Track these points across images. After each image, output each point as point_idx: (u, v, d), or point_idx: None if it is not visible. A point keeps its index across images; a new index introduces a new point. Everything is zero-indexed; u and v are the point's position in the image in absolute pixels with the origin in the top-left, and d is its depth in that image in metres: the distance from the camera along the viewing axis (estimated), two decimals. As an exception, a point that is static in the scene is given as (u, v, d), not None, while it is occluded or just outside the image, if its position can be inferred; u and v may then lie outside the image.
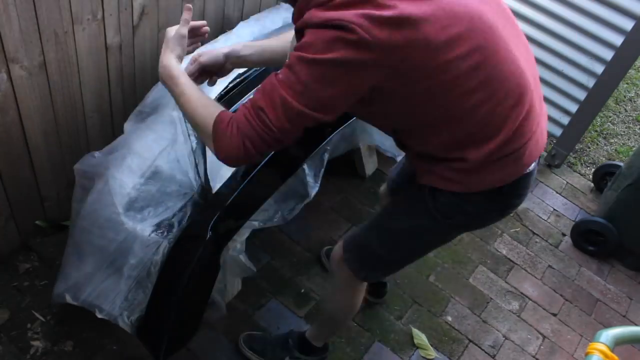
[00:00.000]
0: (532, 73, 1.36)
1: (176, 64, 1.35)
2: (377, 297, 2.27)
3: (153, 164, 1.62)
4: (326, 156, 2.05)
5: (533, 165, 1.43)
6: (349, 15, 1.10)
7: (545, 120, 1.46)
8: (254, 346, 1.99)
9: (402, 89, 1.21)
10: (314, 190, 2.01)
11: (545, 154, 3.28)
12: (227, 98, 1.83)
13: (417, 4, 1.14)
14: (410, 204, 1.53)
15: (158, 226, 1.56)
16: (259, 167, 1.62)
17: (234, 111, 1.61)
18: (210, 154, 1.40)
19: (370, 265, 1.65)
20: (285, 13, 2.28)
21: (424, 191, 1.43)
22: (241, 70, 1.92)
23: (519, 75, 1.29)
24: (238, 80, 1.89)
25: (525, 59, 1.33)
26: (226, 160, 1.27)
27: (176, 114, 1.71)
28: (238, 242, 1.87)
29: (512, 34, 1.32)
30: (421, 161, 1.41)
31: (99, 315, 1.60)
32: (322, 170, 2.04)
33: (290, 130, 1.20)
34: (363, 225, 1.66)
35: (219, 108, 1.28)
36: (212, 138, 1.25)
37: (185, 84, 1.32)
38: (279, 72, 1.19)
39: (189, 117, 1.32)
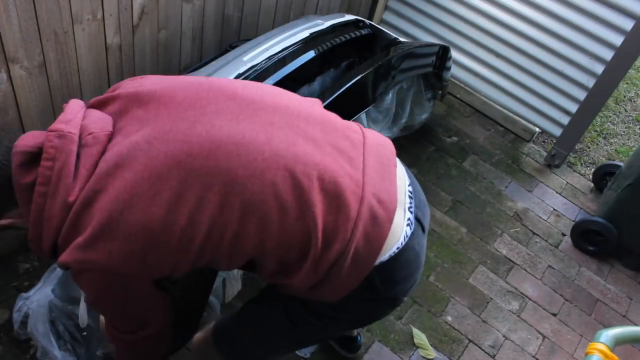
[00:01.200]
0: (306, 139, 1.17)
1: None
2: (348, 351, 2.07)
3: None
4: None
5: (401, 240, 1.24)
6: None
7: (380, 182, 1.23)
8: None
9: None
10: None
11: (545, 154, 3.28)
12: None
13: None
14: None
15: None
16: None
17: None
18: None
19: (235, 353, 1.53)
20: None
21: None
22: (241, 70, 1.92)
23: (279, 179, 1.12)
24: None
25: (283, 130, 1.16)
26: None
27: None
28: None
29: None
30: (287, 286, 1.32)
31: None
32: None
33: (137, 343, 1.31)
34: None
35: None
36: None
37: None
38: None
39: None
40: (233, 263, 1.21)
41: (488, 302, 2.43)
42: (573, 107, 3.06)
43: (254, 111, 1.17)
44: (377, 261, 1.21)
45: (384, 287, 1.25)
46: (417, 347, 2.19)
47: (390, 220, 1.21)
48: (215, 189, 1.09)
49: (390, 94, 2.44)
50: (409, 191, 1.32)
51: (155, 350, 1.35)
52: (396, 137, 2.71)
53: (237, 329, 1.48)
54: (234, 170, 1.10)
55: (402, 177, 1.33)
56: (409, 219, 1.28)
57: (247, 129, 1.13)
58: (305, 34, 2.19)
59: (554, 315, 2.46)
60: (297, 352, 2.05)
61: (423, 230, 1.35)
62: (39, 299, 1.67)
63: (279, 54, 2.05)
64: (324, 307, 1.29)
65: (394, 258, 1.23)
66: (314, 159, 1.15)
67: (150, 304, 1.25)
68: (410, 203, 1.30)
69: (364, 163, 1.23)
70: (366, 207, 1.18)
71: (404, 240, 1.25)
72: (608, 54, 2.79)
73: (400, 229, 1.24)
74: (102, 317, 1.43)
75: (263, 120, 1.16)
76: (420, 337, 2.21)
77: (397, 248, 1.23)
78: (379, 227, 1.19)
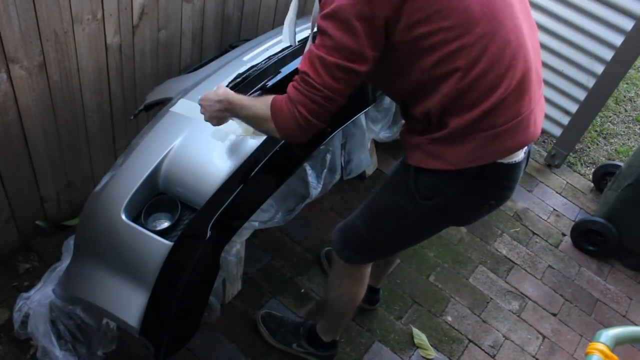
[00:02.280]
0: (534, 52, 1.37)
1: (228, 91, 1.49)
2: (369, 304, 2.23)
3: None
4: (329, 157, 2.05)
5: (521, 156, 1.41)
6: None
7: (541, 114, 1.44)
8: (270, 324, 2.07)
9: (406, 35, 1.24)
10: (316, 191, 2.01)
11: (545, 154, 3.28)
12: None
13: None
14: (394, 184, 1.56)
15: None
16: (259, 166, 1.62)
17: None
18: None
19: (352, 246, 1.67)
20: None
21: (409, 171, 1.45)
22: (241, 70, 1.92)
23: (517, 46, 1.30)
24: (238, 80, 1.89)
25: (530, 37, 1.36)
26: (290, 136, 1.34)
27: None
28: (238, 243, 1.87)
29: (523, 10, 1.37)
30: (411, 136, 1.43)
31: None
32: (325, 171, 2.04)
33: (336, 86, 1.26)
34: (353, 215, 1.70)
35: (272, 96, 1.35)
36: (272, 121, 1.33)
37: (240, 98, 1.46)
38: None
39: (253, 120, 1.42)
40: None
41: (488, 302, 2.43)
42: (573, 107, 3.06)
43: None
44: (503, 159, 1.38)
45: (490, 182, 1.42)
46: (417, 347, 2.19)
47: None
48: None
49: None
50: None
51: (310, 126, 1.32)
52: (397, 137, 2.72)
53: (354, 215, 1.67)
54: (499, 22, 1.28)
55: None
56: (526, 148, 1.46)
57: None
58: (306, 33, 2.19)
59: (554, 315, 2.46)
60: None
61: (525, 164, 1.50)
62: (39, 298, 1.67)
63: (279, 54, 2.05)
64: (431, 182, 1.42)
65: (510, 166, 1.40)
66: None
67: (366, 46, 1.25)
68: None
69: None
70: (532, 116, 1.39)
71: (522, 158, 1.43)
72: (608, 54, 2.79)
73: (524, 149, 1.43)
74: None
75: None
76: (420, 337, 2.21)
77: (515, 161, 1.40)
78: (525, 134, 1.37)
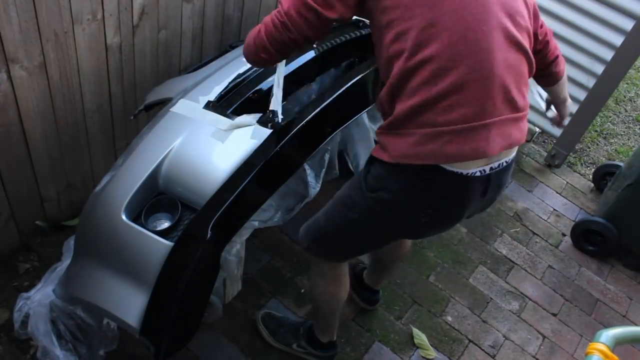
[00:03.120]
0: (507, 67, 1.31)
1: None
2: (369, 304, 2.26)
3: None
4: (327, 157, 2.05)
5: (474, 170, 1.33)
6: None
7: (505, 138, 1.34)
8: (269, 324, 2.08)
9: (375, 3, 1.30)
10: (315, 190, 2.01)
11: (545, 154, 3.28)
12: (226, 98, 1.83)
13: None
14: (354, 175, 1.57)
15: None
16: (259, 167, 1.62)
17: (234, 110, 1.62)
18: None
19: (312, 237, 1.68)
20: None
21: (370, 158, 1.46)
22: (241, 70, 1.92)
23: (477, 48, 1.26)
24: (238, 80, 1.89)
25: (505, 51, 1.30)
26: (245, 55, 1.49)
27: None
28: (238, 243, 1.87)
29: (509, 26, 1.32)
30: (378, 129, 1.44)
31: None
32: (324, 170, 2.04)
33: (296, 19, 1.34)
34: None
35: None
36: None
37: None
38: None
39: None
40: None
41: (488, 302, 2.43)
42: (573, 107, 3.05)
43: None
44: (448, 166, 1.31)
45: (434, 187, 1.35)
46: (418, 347, 2.19)
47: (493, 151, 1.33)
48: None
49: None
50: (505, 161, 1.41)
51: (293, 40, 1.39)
52: None
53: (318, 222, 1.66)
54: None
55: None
56: (490, 167, 1.37)
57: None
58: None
59: (554, 315, 2.46)
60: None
61: (484, 193, 1.42)
62: (39, 298, 1.67)
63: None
64: (378, 173, 1.40)
65: (456, 176, 1.32)
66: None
67: None
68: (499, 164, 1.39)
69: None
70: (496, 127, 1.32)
71: (477, 174, 1.34)
72: (608, 54, 2.79)
73: (479, 164, 1.34)
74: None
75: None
76: (420, 337, 2.21)
77: (463, 172, 1.32)
78: (472, 147, 1.29)
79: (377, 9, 1.32)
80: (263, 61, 1.48)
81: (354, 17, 2.51)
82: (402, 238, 1.77)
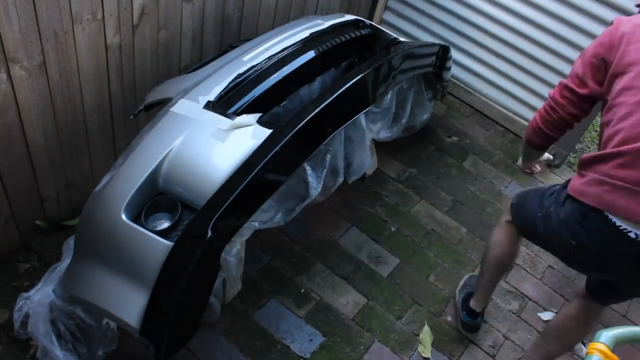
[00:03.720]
0: None
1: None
2: (469, 331, 2.29)
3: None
4: (328, 157, 2.05)
5: (633, 234, 1.49)
6: None
7: None
8: None
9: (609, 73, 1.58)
10: (315, 191, 2.01)
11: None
12: (227, 98, 1.83)
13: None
14: (552, 193, 1.76)
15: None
16: (259, 167, 1.62)
17: (236, 110, 1.63)
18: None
19: (514, 216, 1.96)
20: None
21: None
22: (241, 70, 1.92)
23: None
24: (238, 80, 1.89)
25: None
26: (527, 133, 1.91)
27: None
28: (238, 243, 1.87)
29: None
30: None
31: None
32: (325, 171, 2.04)
33: (559, 101, 1.73)
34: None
35: None
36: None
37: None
38: None
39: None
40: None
41: (488, 302, 2.43)
42: (573, 107, 3.06)
43: None
44: (611, 217, 1.51)
45: (583, 225, 1.57)
46: (419, 342, 2.18)
47: None
48: None
49: (390, 94, 2.45)
50: None
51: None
52: (397, 137, 2.72)
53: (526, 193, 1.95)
54: None
55: None
56: None
57: None
58: (305, 34, 2.19)
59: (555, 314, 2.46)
60: (297, 352, 2.05)
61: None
62: (39, 298, 1.68)
63: (279, 54, 2.05)
64: (569, 204, 1.62)
65: (614, 228, 1.51)
66: None
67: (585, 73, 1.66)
68: None
69: None
70: None
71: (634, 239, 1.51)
72: (608, 54, 2.79)
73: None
74: None
75: None
76: (426, 334, 2.21)
77: (622, 228, 1.50)
78: (636, 209, 1.47)
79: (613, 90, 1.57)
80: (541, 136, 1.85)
81: (354, 17, 2.51)
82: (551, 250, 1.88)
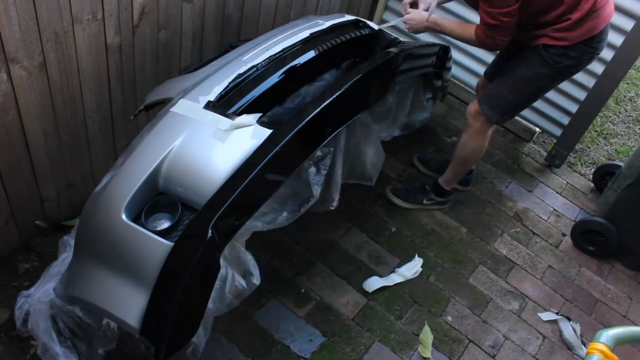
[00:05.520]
0: None
1: (433, 16, 2.36)
2: (464, 185, 2.90)
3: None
4: (330, 158, 2.04)
5: (609, 20, 2.22)
6: None
7: (610, 8, 2.24)
8: (399, 193, 2.74)
9: None
10: (319, 191, 2.00)
11: (545, 154, 3.28)
12: (227, 98, 1.83)
13: None
14: (529, 59, 2.30)
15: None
16: (260, 166, 1.62)
17: (236, 110, 1.62)
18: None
19: (501, 110, 2.41)
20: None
21: (538, 49, 2.25)
22: (241, 70, 1.92)
23: None
24: (238, 80, 1.89)
25: None
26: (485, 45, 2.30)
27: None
28: (238, 243, 1.87)
29: None
30: (537, 30, 2.23)
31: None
32: (326, 172, 2.04)
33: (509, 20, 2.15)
34: (492, 86, 2.45)
35: (472, 27, 2.26)
36: (476, 42, 2.27)
37: (448, 23, 2.37)
38: None
39: (460, 37, 2.34)
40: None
41: (488, 302, 2.43)
42: (573, 107, 3.06)
43: None
44: (606, 23, 2.23)
45: (597, 40, 2.24)
46: (419, 342, 2.18)
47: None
48: None
49: (392, 94, 2.45)
50: None
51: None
52: (396, 136, 2.72)
53: (497, 87, 2.42)
54: None
55: None
56: None
57: None
58: (306, 34, 2.19)
59: (555, 314, 2.46)
60: (297, 352, 2.05)
61: None
62: (39, 296, 1.68)
63: (279, 54, 2.05)
64: (559, 51, 2.23)
65: (602, 30, 2.23)
66: None
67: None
68: None
69: None
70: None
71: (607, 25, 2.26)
72: (608, 54, 2.79)
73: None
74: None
75: None
76: (426, 334, 2.21)
77: (602, 28, 2.22)
78: (605, 15, 2.21)
79: None
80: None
81: (354, 17, 2.51)
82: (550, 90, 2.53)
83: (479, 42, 2.23)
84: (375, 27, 2.48)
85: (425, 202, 2.72)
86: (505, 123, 2.64)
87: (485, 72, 2.75)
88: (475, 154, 2.56)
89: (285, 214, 1.94)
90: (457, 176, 2.70)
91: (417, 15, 2.38)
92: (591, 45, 2.23)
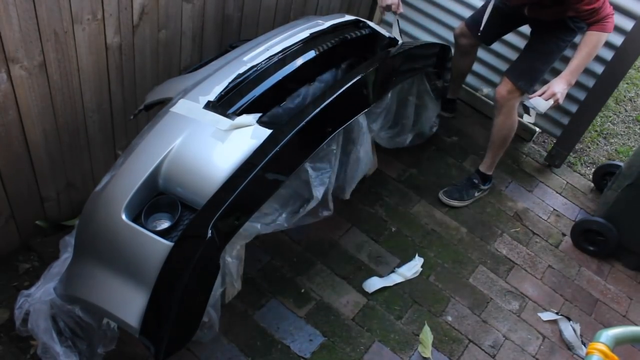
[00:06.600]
0: None
1: (568, 69, 2.45)
2: (450, 112, 3.22)
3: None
4: (330, 157, 2.05)
5: None
6: None
7: None
8: (453, 195, 2.81)
9: None
10: (320, 192, 2.00)
11: (545, 154, 3.28)
12: (227, 98, 1.83)
13: None
14: (556, 31, 2.52)
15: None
16: (259, 166, 1.62)
17: (236, 110, 1.63)
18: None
19: (534, 82, 2.60)
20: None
21: (565, 21, 2.47)
22: (241, 70, 1.92)
23: None
24: (238, 80, 1.89)
25: None
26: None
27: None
28: (238, 244, 1.87)
29: None
30: (562, 5, 2.35)
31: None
32: (327, 171, 2.04)
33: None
34: (522, 63, 2.63)
35: (591, 35, 2.39)
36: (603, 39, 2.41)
37: (579, 61, 2.42)
38: None
39: (592, 57, 2.44)
40: None
41: (488, 302, 2.43)
42: (573, 107, 3.06)
43: None
44: None
45: None
46: (419, 342, 2.18)
47: None
48: None
49: (390, 94, 2.45)
50: None
51: None
52: (408, 145, 2.74)
53: (527, 60, 2.63)
54: None
55: None
56: None
57: None
58: (306, 34, 2.19)
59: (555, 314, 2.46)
60: (297, 352, 2.05)
61: None
62: (39, 296, 1.68)
63: (279, 54, 2.05)
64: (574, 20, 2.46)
65: None
66: None
67: None
68: None
69: None
70: None
71: None
72: (608, 54, 2.79)
73: None
74: None
75: None
76: (426, 334, 2.21)
77: None
78: None
79: None
80: None
81: (354, 17, 2.51)
82: None
83: (607, 34, 2.36)
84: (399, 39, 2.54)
85: (477, 194, 2.85)
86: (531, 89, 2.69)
87: (468, 24, 2.87)
88: (512, 129, 2.71)
89: (285, 215, 1.94)
90: (497, 158, 2.83)
91: (556, 85, 2.40)
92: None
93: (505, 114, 2.65)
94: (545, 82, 2.49)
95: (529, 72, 2.58)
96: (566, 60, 2.53)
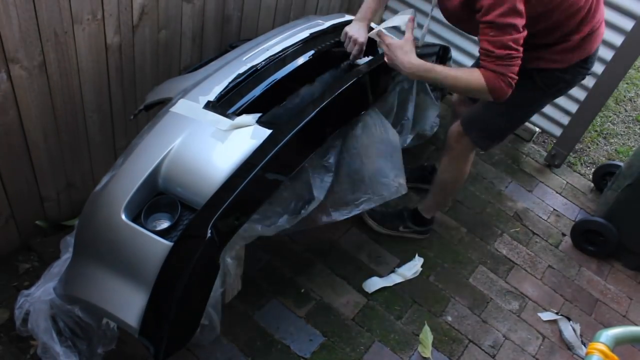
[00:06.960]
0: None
1: (422, 60, 1.88)
2: (426, 183, 2.63)
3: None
4: (333, 159, 2.04)
5: (602, 38, 2.08)
6: None
7: (601, 34, 2.07)
8: (375, 216, 2.53)
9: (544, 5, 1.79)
10: (321, 192, 2.00)
11: (545, 154, 3.28)
12: (227, 98, 1.83)
13: None
14: (520, 83, 1.87)
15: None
16: (259, 166, 1.62)
17: (236, 110, 1.63)
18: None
19: (492, 137, 2.25)
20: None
21: (531, 72, 1.99)
22: (241, 70, 1.92)
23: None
24: (238, 80, 1.89)
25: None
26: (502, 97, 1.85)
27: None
28: (238, 244, 1.87)
29: None
30: (532, 52, 1.88)
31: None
32: (327, 172, 2.04)
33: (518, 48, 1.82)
34: (477, 110, 2.20)
35: (474, 69, 1.82)
36: (487, 90, 1.81)
37: (442, 69, 1.88)
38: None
39: (456, 85, 1.87)
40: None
41: (488, 302, 2.43)
42: (573, 107, 3.06)
43: None
44: (597, 45, 2.06)
45: (589, 62, 2.07)
46: (419, 342, 2.18)
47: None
48: None
49: (392, 94, 2.44)
50: None
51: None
52: (409, 146, 2.73)
53: (484, 112, 2.18)
54: None
55: None
56: None
57: None
58: (306, 34, 2.19)
59: (555, 314, 2.46)
60: (297, 352, 2.05)
61: None
62: (39, 295, 1.68)
63: (279, 54, 2.05)
64: (554, 75, 2.04)
65: (597, 48, 2.08)
66: None
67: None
68: None
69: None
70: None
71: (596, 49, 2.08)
72: (608, 54, 2.79)
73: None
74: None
75: None
76: (426, 334, 2.21)
77: (593, 51, 2.06)
78: (597, 40, 2.03)
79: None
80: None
81: (354, 17, 2.51)
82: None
83: (490, 89, 1.78)
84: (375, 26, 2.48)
85: (401, 229, 2.53)
86: (491, 147, 2.37)
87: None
88: (455, 179, 2.36)
89: (286, 216, 1.94)
90: (439, 205, 2.52)
91: (407, 57, 1.89)
92: (585, 66, 2.06)
93: (450, 158, 2.31)
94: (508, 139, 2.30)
95: (482, 122, 2.19)
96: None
